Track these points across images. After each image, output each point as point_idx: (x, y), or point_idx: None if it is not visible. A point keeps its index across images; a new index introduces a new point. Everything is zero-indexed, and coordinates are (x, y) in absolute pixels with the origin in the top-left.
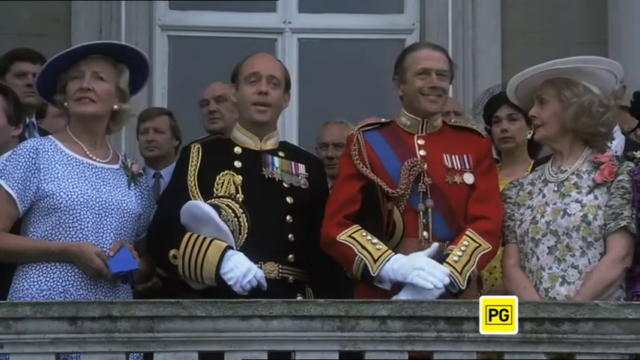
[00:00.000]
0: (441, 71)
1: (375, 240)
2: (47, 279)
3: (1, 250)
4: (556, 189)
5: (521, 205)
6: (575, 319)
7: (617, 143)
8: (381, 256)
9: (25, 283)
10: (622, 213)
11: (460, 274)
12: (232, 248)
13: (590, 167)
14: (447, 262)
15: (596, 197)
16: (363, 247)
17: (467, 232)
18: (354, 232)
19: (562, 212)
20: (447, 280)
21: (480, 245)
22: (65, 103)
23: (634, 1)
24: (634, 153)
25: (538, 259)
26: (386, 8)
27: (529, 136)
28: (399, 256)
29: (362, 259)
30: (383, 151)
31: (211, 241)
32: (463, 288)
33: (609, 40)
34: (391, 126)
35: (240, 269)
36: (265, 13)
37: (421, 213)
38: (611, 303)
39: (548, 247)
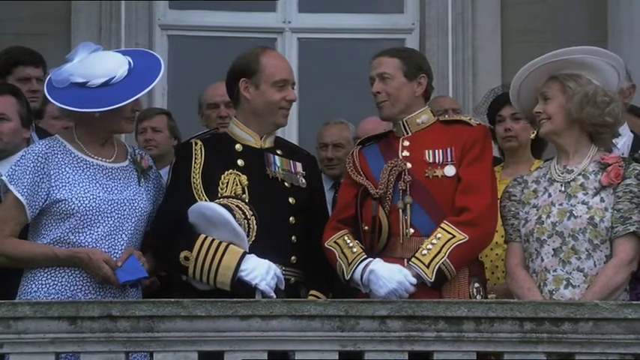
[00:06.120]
0: None
1: (352, 243)
2: (55, 283)
3: (9, 256)
4: (562, 189)
5: (526, 203)
6: (575, 319)
7: (625, 142)
8: (353, 259)
9: (34, 286)
10: (630, 217)
11: (427, 267)
12: (247, 253)
13: (597, 168)
14: (415, 257)
15: (602, 199)
16: (342, 252)
17: (442, 225)
18: (339, 238)
19: (568, 214)
20: (402, 287)
21: (454, 236)
22: (97, 115)
23: (634, 0)
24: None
25: (542, 260)
26: (386, 8)
27: (532, 135)
28: (375, 261)
29: (341, 264)
30: (374, 160)
31: (227, 247)
32: (432, 280)
33: (609, 39)
34: (389, 136)
35: (263, 267)
36: (265, 12)
37: (401, 210)
38: (611, 303)
39: (553, 249)
